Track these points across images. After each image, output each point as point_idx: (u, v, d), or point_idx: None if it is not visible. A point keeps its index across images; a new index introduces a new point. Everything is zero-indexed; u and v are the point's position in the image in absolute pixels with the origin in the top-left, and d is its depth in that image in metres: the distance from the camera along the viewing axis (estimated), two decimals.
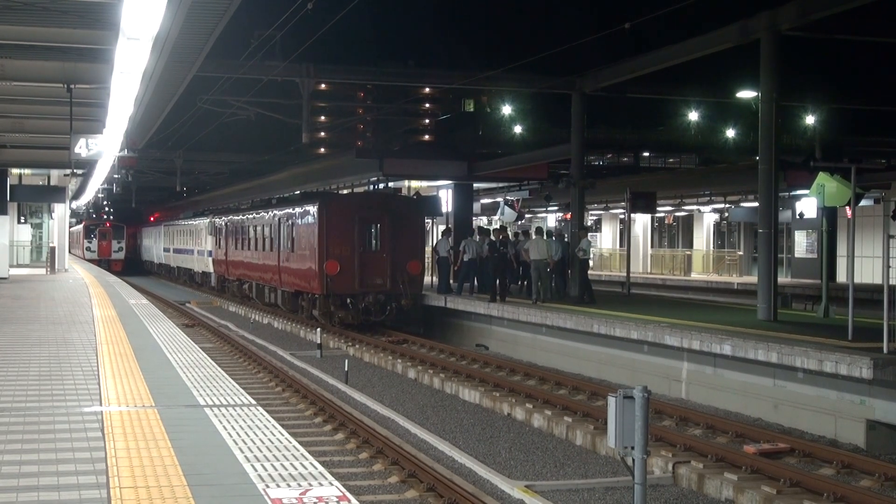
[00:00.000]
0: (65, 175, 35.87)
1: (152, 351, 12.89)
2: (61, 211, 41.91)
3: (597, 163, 49.69)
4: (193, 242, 45.69)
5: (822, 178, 17.12)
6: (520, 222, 42.89)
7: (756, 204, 24.07)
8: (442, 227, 31.48)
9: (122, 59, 12.21)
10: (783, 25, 18.87)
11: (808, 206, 35.08)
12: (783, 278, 32.06)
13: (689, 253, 49.72)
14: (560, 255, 23.77)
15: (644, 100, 36.11)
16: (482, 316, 23.44)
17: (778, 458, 11.52)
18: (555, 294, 23.57)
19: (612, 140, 45.53)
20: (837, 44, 28.85)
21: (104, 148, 20.06)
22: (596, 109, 29.17)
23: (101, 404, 8.83)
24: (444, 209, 34.06)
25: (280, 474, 6.30)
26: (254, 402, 9.16)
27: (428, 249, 28.47)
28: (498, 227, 30.49)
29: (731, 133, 46.46)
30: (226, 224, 37.34)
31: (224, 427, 7.81)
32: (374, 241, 25.10)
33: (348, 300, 24.73)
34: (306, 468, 6.49)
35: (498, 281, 23.39)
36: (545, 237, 24.06)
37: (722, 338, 15.22)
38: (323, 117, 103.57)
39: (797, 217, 37.38)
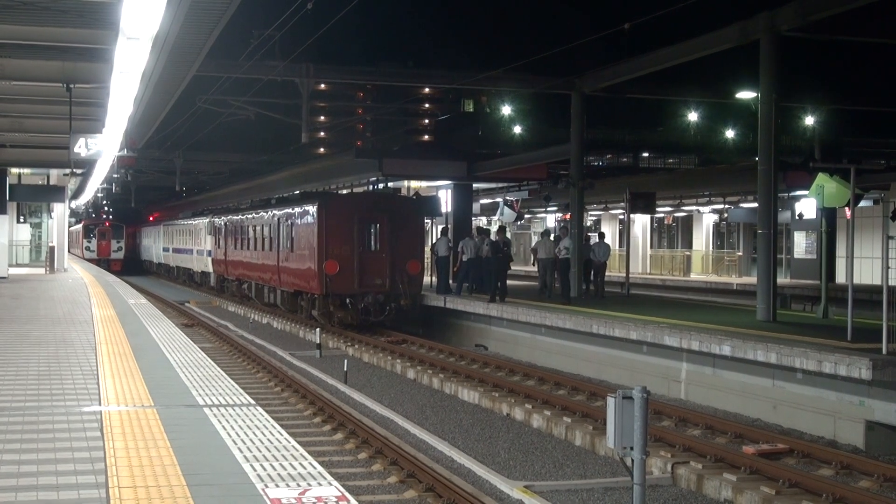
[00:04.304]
0: (64, 175, 35.87)
1: (151, 351, 12.88)
2: (60, 210, 41.90)
3: (596, 163, 49.70)
4: (193, 242, 45.68)
5: (821, 178, 17.14)
6: (519, 223, 42.93)
7: (755, 204, 24.08)
8: (441, 227, 31.49)
9: (121, 58, 12.21)
10: (783, 26, 18.88)
11: (807, 206, 35.18)
12: (782, 279, 32.06)
13: (688, 253, 49.72)
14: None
15: (643, 100, 36.15)
16: (481, 316, 23.44)
17: (777, 458, 11.52)
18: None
19: (611, 140, 45.58)
20: (837, 45, 28.88)
21: (103, 147, 20.04)
22: (595, 110, 29.18)
23: (100, 404, 8.82)
24: (443, 209, 34.06)
25: (279, 474, 6.30)
26: (253, 401, 9.15)
27: (427, 250, 28.46)
28: (497, 227, 30.55)
29: (730, 134, 46.51)
30: (225, 224, 37.33)
31: (223, 427, 7.81)
32: (373, 242, 25.09)
33: (347, 300, 24.72)
34: (305, 468, 6.49)
35: (498, 282, 23.45)
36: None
37: (721, 338, 15.22)
38: (322, 117, 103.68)
39: (796, 218, 37.44)
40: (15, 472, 6.42)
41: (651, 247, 53.79)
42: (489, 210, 44.71)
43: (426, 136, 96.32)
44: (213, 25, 14.26)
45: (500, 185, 38.09)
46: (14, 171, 35.76)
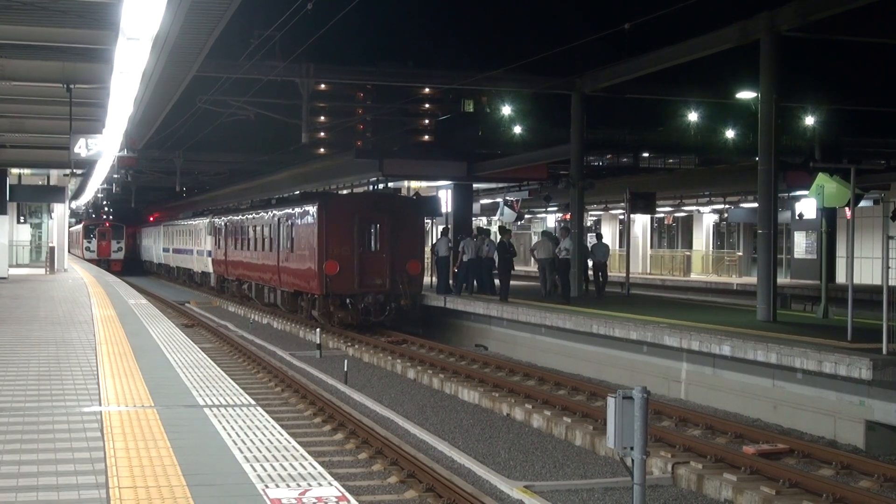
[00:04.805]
0: (64, 175, 35.87)
1: (152, 351, 12.88)
2: (61, 211, 41.91)
3: (596, 163, 49.74)
4: (193, 242, 45.69)
5: (821, 178, 17.14)
6: (519, 223, 42.95)
7: (755, 204, 24.12)
8: (441, 227, 31.50)
9: (121, 59, 12.21)
10: (783, 26, 18.88)
11: (807, 206, 35.18)
12: (782, 279, 32.06)
13: (688, 253, 49.74)
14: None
15: (643, 100, 36.20)
16: (481, 316, 23.45)
17: (777, 458, 11.51)
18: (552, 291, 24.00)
19: (611, 140, 45.61)
20: (837, 45, 28.89)
21: (104, 148, 20.05)
22: (595, 110, 29.20)
23: (100, 404, 8.82)
24: (443, 209, 34.08)
25: (279, 474, 6.30)
26: (253, 402, 9.15)
27: (427, 250, 28.46)
28: (497, 227, 30.57)
29: (730, 134, 46.54)
30: (225, 224, 37.34)
31: (223, 427, 7.81)
32: (373, 242, 25.09)
33: (348, 300, 24.72)
34: (305, 468, 6.49)
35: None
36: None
37: (721, 338, 15.22)
38: (322, 117, 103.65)
39: (797, 218, 37.46)
40: (15, 472, 6.42)
41: (651, 247, 53.81)
42: (489, 210, 44.72)
43: (426, 137, 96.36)
44: (214, 26, 14.27)
45: (501, 185, 38.10)
46: (14, 171, 35.78)
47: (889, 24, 20.06)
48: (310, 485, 6.06)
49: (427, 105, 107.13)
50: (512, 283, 25.18)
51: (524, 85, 30.85)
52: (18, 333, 14.97)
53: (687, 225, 52.58)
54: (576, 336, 19.45)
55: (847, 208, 18.01)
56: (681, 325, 17.23)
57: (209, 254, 40.94)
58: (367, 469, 11.23)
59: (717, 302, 26.76)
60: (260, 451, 6.95)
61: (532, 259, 27.81)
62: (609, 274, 27.59)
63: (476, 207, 41.63)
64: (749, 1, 22.53)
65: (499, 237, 28.45)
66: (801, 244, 39.36)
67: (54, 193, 39.36)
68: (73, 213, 63.96)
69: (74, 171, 29.53)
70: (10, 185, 34.35)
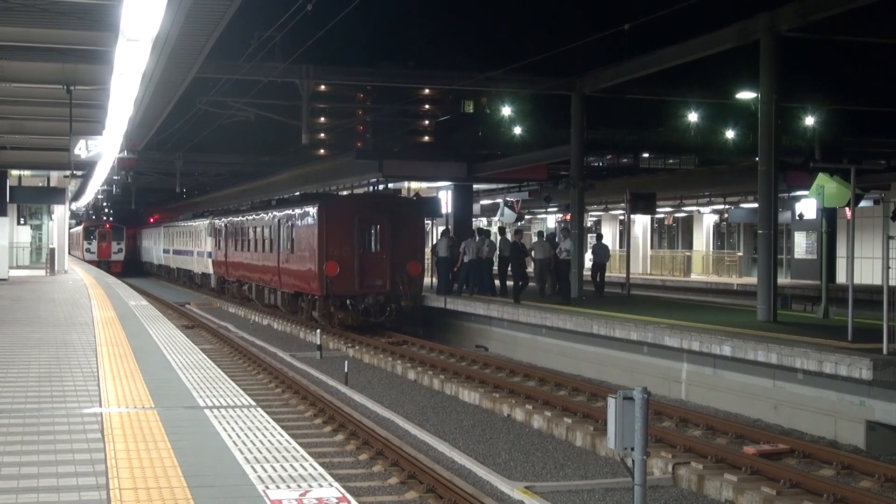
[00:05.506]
0: (64, 176, 35.87)
1: (152, 352, 12.88)
2: (61, 212, 41.91)
3: (596, 164, 49.73)
4: (193, 244, 45.69)
5: (821, 179, 17.13)
6: (519, 223, 42.94)
7: (756, 205, 24.11)
8: (441, 228, 31.51)
9: (121, 60, 12.21)
10: (783, 26, 18.88)
11: (807, 207, 35.22)
12: (783, 279, 32.06)
13: (688, 254, 49.73)
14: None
15: (644, 101, 36.18)
16: (482, 317, 23.44)
17: (778, 459, 11.52)
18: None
19: (611, 141, 45.59)
20: (837, 45, 28.91)
21: (104, 149, 20.06)
22: (595, 110, 29.19)
23: (100, 406, 8.82)
24: (443, 210, 34.08)
25: (280, 475, 6.30)
26: (253, 403, 9.15)
27: (428, 251, 28.46)
28: (497, 228, 30.56)
29: (730, 134, 46.52)
30: (225, 225, 37.34)
31: (224, 428, 7.81)
32: (373, 243, 25.09)
33: (348, 301, 24.72)
34: (306, 469, 6.49)
35: (520, 281, 23.60)
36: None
37: (722, 339, 15.22)
38: (322, 118, 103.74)
39: (797, 218, 37.46)
40: (16, 473, 6.42)
41: (651, 247, 53.80)
42: (489, 211, 44.72)
43: (426, 137, 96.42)
44: (213, 27, 14.27)
45: (501, 185, 38.09)
46: (14, 172, 35.79)
47: (889, 24, 20.06)
48: (310, 486, 6.06)
49: (427, 106, 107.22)
50: (510, 283, 25.19)
51: (524, 85, 30.86)
52: (19, 335, 14.97)
53: (687, 225, 52.57)
54: (576, 337, 19.45)
55: (847, 208, 18.00)
56: (681, 325, 17.23)
57: (209, 255, 40.93)
58: (368, 470, 11.23)
59: (718, 302, 26.77)
60: (260, 453, 6.95)
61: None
62: (606, 275, 27.60)
63: (476, 208, 41.63)
64: (749, 1, 22.56)
65: (499, 238, 28.47)
66: (802, 244, 39.34)
67: (54, 195, 39.37)
68: (74, 215, 63.94)
69: (74, 172, 29.50)
70: (10, 187, 34.36)
